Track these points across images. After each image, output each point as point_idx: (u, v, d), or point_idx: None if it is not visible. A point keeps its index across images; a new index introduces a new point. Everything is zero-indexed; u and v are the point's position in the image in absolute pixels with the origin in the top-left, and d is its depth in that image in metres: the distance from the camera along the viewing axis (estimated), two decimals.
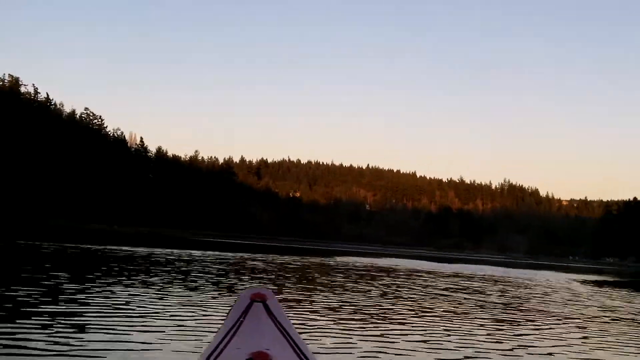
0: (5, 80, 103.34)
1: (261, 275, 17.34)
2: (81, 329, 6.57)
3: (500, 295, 16.65)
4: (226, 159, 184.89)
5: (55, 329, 6.41)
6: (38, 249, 21.18)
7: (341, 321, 8.94)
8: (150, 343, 6.17)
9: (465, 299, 14.61)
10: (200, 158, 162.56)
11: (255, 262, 24.67)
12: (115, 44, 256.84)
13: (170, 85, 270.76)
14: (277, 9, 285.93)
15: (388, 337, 7.78)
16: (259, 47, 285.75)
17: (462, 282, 22.30)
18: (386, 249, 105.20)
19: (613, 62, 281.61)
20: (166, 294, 10.35)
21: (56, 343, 5.75)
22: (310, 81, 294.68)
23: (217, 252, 31.10)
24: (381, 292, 14.43)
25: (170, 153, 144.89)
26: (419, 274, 25.36)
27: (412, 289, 16.54)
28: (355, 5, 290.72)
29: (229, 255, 28.29)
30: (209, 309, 8.98)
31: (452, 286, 19.03)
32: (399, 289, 15.91)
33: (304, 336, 6.63)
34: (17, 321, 6.64)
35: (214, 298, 10.48)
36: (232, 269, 19.32)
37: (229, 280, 14.77)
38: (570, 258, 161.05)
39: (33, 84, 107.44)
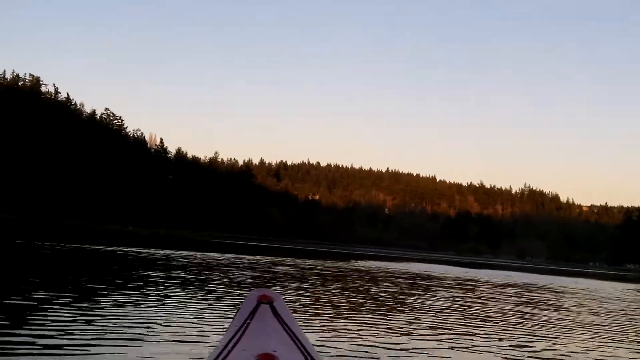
0: (26, 80, 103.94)
1: (300, 284, 14.97)
2: (95, 332, 6.42)
3: (593, 312, 14.82)
4: (246, 160, 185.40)
5: (70, 332, 6.29)
6: (44, 249, 21.00)
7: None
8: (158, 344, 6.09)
9: (557, 318, 12.35)
10: (220, 160, 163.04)
11: (284, 267, 23.22)
12: (137, 44, 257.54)
13: (191, 86, 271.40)
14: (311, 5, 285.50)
15: None
16: (282, 47, 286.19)
17: (526, 293, 20.06)
18: (406, 252, 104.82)
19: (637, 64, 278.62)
20: (180, 299, 10.04)
21: (74, 346, 5.66)
22: (332, 84, 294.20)
23: (243, 255, 30.39)
24: (453, 308, 12.33)
25: (190, 154, 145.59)
26: (471, 284, 23.04)
27: (484, 303, 14.42)
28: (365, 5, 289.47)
29: (248, 259, 27.88)
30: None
31: (523, 300, 16.93)
32: (469, 304, 13.73)
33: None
34: (31, 325, 6.53)
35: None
36: (264, 275, 17.68)
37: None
38: (591, 264, 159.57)
39: (54, 84, 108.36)
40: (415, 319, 9.94)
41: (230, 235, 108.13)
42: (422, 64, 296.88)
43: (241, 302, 2.38)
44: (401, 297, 14.17)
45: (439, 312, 11.34)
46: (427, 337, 7.96)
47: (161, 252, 26.69)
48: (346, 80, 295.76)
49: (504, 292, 19.46)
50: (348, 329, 8.02)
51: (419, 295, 15.34)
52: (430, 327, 9.07)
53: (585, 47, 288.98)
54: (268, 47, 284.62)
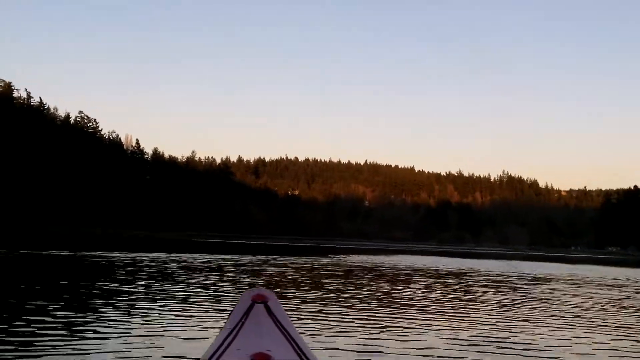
0: None
1: (304, 289, 13.48)
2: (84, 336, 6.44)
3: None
4: (223, 158, 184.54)
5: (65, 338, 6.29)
6: (31, 258, 20.29)
7: None
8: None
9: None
10: (197, 158, 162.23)
11: (277, 267, 22.43)
12: (109, 45, 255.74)
13: (165, 86, 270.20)
14: (276, 8, 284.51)
15: None
16: (256, 46, 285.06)
17: (564, 286, 18.82)
18: (391, 244, 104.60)
19: (613, 50, 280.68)
20: (170, 303, 9.44)
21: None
22: (306, 79, 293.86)
23: (226, 255, 29.49)
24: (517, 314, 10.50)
25: (166, 154, 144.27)
26: (504, 280, 20.72)
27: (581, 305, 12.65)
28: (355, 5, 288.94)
29: (233, 259, 27.20)
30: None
31: (578, 295, 15.67)
32: (519, 305, 12.07)
33: None
34: (29, 334, 6.48)
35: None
36: (258, 279, 16.55)
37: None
38: (572, 249, 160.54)
39: (26, 89, 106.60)
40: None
41: (212, 234, 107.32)
42: (396, 54, 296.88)
43: (235, 302, 2.41)
44: (424, 298, 12.93)
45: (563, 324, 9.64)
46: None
47: (153, 255, 25.98)
48: (320, 74, 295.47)
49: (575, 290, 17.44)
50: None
51: (445, 293, 14.41)
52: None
53: (546, 35, 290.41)
54: (242, 44, 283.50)
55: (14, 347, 5.76)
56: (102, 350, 5.75)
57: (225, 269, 19.39)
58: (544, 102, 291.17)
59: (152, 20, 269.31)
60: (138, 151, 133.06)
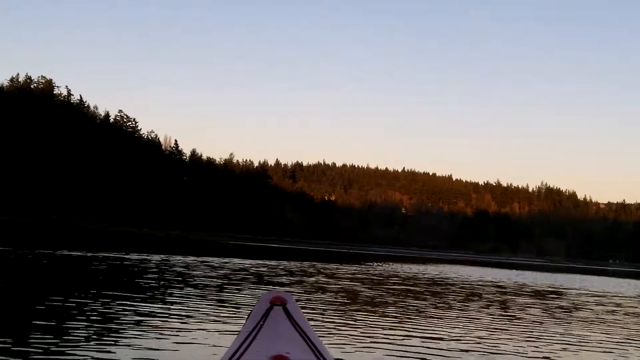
0: (39, 83, 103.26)
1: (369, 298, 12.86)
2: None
3: None
4: (261, 162, 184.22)
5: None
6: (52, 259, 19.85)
7: None
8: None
9: None
10: (235, 161, 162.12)
11: (319, 276, 21.78)
12: (150, 45, 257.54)
13: (205, 88, 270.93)
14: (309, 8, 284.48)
15: None
16: (298, 48, 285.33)
17: None
18: (428, 253, 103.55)
19: None
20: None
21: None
22: (347, 84, 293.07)
23: (266, 261, 28.39)
24: None
25: (204, 156, 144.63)
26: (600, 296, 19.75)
27: None
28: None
29: (271, 264, 26.50)
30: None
31: None
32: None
33: None
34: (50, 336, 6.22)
35: None
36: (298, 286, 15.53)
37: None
38: (611, 262, 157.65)
39: (66, 86, 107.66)
40: None
41: (246, 236, 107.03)
42: (437, 64, 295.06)
43: (254, 304, 2.38)
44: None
45: None
46: None
47: (190, 259, 25.33)
48: (361, 80, 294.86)
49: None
50: None
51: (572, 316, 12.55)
52: None
53: (605, 42, 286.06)
54: (285, 49, 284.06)
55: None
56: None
57: (269, 278, 18.57)
58: (584, 113, 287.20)
59: (193, 20, 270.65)
60: (176, 152, 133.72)
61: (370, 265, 33.69)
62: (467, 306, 12.66)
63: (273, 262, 26.20)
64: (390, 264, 37.90)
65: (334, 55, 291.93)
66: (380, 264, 35.82)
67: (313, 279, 17.56)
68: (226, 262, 23.18)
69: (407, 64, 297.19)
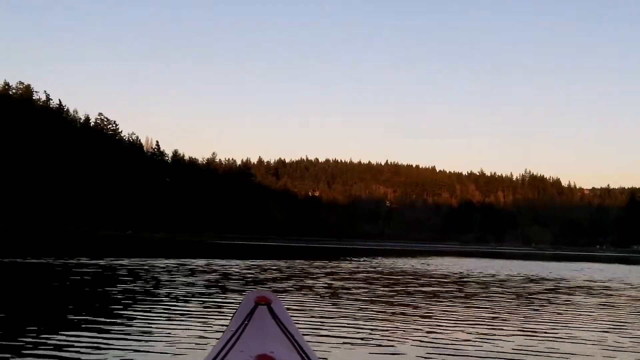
0: (17, 88, 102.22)
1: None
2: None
3: None
4: (244, 160, 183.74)
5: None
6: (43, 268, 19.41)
7: None
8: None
9: None
10: (217, 160, 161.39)
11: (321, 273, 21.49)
12: (130, 47, 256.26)
13: (187, 88, 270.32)
14: (298, 9, 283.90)
15: None
16: (275, 47, 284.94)
17: None
18: (416, 245, 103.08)
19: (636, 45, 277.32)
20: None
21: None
22: (325, 79, 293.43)
23: (259, 261, 27.82)
24: None
25: (187, 156, 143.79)
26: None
27: None
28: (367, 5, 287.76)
29: (267, 264, 26.06)
30: None
31: None
32: None
33: None
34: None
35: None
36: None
37: None
38: (598, 247, 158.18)
39: (45, 91, 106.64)
40: None
41: (232, 235, 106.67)
42: (416, 57, 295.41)
43: (238, 304, 2.38)
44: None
45: None
46: None
47: (173, 262, 24.91)
48: (341, 75, 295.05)
49: None
50: None
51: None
52: None
53: (584, 30, 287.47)
54: (264, 47, 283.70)
55: None
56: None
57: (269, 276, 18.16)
58: (564, 99, 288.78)
59: (171, 21, 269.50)
60: (158, 153, 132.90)
61: (358, 260, 33.12)
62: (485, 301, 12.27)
63: (260, 262, 25.72)
64: (380, 258, 37.37)
65: (315, 52, 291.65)
66: (367, 259, 35.36)
67: (303, 277, 17.18)
68: (210, 264, 22.71)
69: (387, 57, 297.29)
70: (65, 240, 46.73)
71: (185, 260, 24.79)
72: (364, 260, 32.50)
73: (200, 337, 6.73)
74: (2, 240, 39.45)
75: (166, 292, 11.32)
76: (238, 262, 24.46)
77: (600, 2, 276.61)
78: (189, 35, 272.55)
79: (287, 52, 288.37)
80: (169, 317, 8.22)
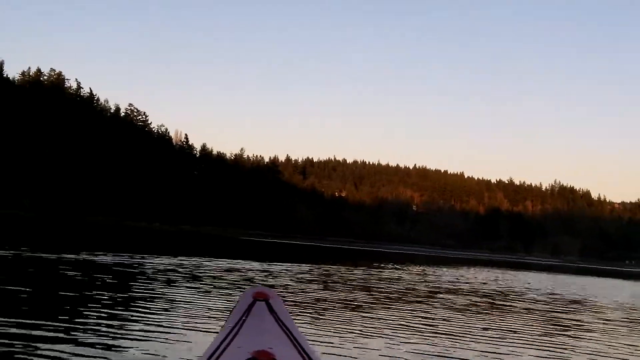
0: (49, 75, 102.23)
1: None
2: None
3: None
4: (272, 157, 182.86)
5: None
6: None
7: None
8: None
9: None
10: (245, 156, 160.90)
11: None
12: (161, 40, 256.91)
13: (217, 83, 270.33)
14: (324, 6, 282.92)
15: None
16: (304, 46, 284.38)
17: None
18: (443, 251, 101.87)
19: None
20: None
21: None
22: (356, 80, 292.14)
23: (292, 265, 26.13)
24: None
25: (215, 150, 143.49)
26: None
27: None
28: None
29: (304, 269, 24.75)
30: None
31: None
32: None
33: None
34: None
35: None
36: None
37: None
38: (627, 262, 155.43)
39: (76, 79, 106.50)
40: None
41: (256, 232, 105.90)
42: (449, 63, 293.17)
43: (237, 299, 2.41)
44: None
45: None
46: None
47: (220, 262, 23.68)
48: (372, 77, 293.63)
49: None
50: None
51: None
52: None
53: (613, 39, 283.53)
54: (292, 45, 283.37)
55: None
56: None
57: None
58: (598, 112, 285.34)
59: (202, 18, 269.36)
60: (186, 146, 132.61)
61: (409, 270, 30.25)
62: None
63: (285, 266, 24.08)
64: (433, 268, 34.67)
65: (346, 52, 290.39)
66: (414, 266, 33.50)
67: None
68: (232, 266, 21.32)
69: (417, 62, 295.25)
70: (94, 231, 46.09)
71: (219, 260, 23.51)
72: (420, 271, 29.80)
73: (198, 333, 6.97)
74: (28, 230, 38.63)
75: (175, 292, 11.24)
76: (272, 265, 23.20)
77: None
78: (222, 31, 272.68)
79: (316, 51, 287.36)
80: (169, 315, 8.36)
